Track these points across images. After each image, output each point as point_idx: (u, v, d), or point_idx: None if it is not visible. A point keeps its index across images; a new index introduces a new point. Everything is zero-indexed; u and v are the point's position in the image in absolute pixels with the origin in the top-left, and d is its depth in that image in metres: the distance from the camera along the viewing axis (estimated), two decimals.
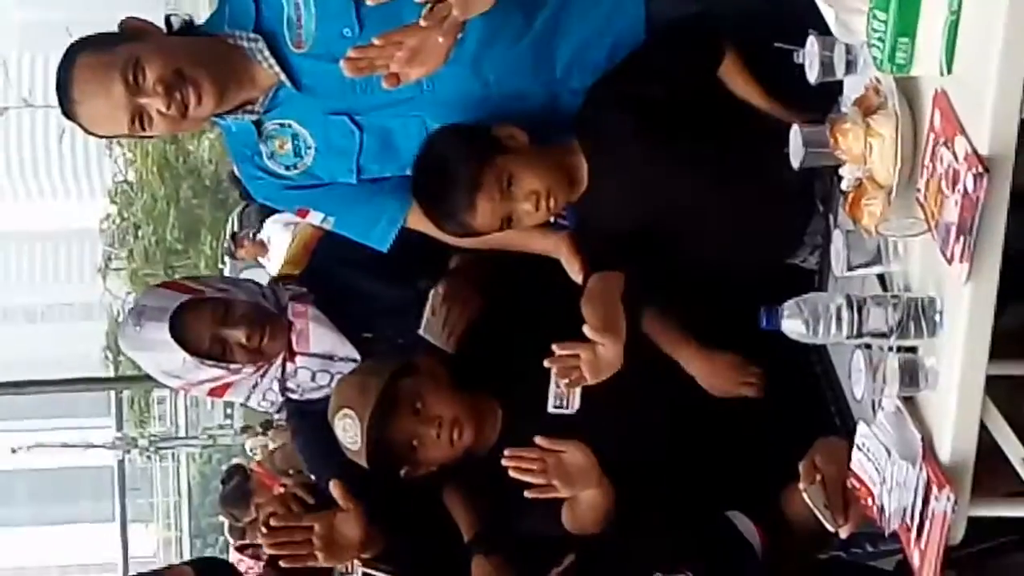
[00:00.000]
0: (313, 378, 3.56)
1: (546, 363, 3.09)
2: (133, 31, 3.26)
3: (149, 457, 26.99)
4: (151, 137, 3.39)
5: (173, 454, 26.98)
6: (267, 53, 3.27)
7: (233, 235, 10.61)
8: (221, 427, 23.40)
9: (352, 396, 3.27)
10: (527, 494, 3.10)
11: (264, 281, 3.91)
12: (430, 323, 3.46)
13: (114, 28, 3.29)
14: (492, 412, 3.36)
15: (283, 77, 3.30)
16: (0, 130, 33.79)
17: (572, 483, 3.10)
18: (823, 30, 2.67)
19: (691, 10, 3.28)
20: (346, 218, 3.46)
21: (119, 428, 27.14)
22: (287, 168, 3.43)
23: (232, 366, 3.48)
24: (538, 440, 3.11)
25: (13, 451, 26.62)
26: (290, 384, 3.57)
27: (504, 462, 3.10)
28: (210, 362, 3.45)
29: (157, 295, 3.55)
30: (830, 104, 2.83)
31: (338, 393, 3.33)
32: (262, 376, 3.52)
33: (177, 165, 25.34)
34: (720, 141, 3.22)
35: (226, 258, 10.95)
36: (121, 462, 26.41)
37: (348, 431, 3.24)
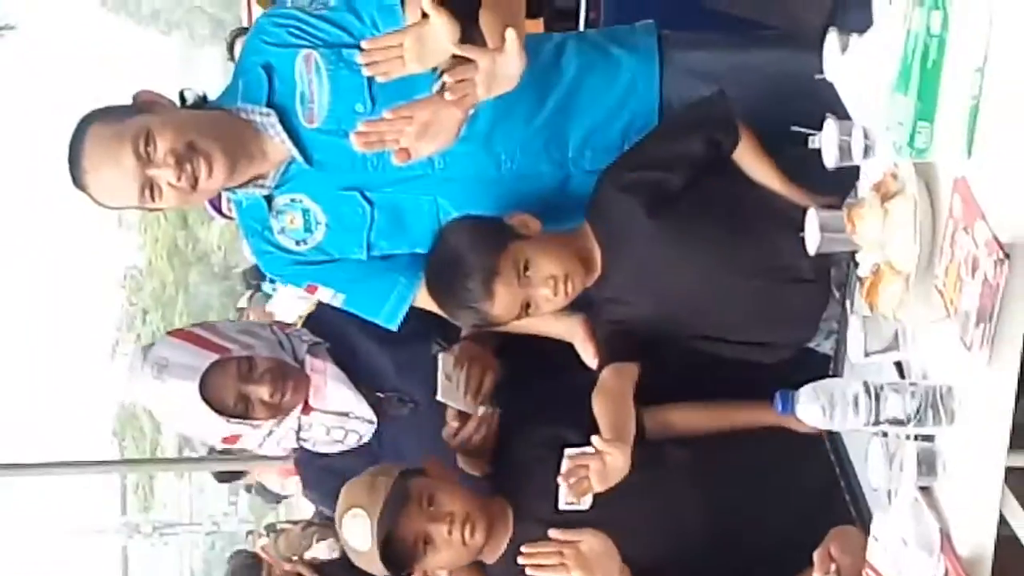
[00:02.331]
0: (327, 433, 3.55)
1: (559, 479, 3.05)
2: (145, 104, 3.26)
3: (153, 543, 26.93)
4: (160, 209, 3.37)
5: (177, 540, 26.89)
6: (279, 128, 3.27)
7: (240, 310, 10.54)
8: (225, 514, 23.37)
9: (360, 495, 3.19)
10: None
11: None
12: (446, 387, 3.40)
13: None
14: (503, 512, 3.30)
15: (295, 152, 3.30)
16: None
17: (592, 572, 3.05)
18: (840, 114, 2.66)
19: (706, 92, 3.27)
20: (355, 295, 3.45)
21: (123, 513, 27.09)
22: (297, 243, 3.42)
23: (254, 423, 3.44)
24: (552, 533, 3.06)
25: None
26: (303, 435, 3.55)
27: (521, 560, 3.05)
28: (235, 420, 3.41)
29: (179, 349, 3.45)
30: (847, 189, 2.81)
31: (346, 495, 3.26)
32: (277, 425, 3.49)
33: (186, 251, 25.45)
34: (735, 226, 3.20)
35: None
36: (124, 548, 26.35)
37: (357, 530, 3.16)
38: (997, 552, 2.47)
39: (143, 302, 26.37)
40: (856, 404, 2.47)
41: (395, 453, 3.53)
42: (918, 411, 2.45)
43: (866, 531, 2.69)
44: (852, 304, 2.91)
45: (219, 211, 8.35)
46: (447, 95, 2.90)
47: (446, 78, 2.90)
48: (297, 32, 3.29)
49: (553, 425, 3.29)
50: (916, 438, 2.51)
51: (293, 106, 3.29)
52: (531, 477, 3.27)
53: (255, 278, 11.78)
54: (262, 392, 3.41)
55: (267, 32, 3.32)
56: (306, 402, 3.51)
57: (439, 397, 3.40)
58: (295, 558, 6.38)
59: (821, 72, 2.65)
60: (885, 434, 2.57)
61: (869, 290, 2.57)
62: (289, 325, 3.94)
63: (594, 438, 3.00)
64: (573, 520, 3.14)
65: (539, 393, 3.44)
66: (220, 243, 24.82)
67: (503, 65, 2.88)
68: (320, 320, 3.73)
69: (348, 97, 3.25)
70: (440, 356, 3.42)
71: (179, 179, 3.16)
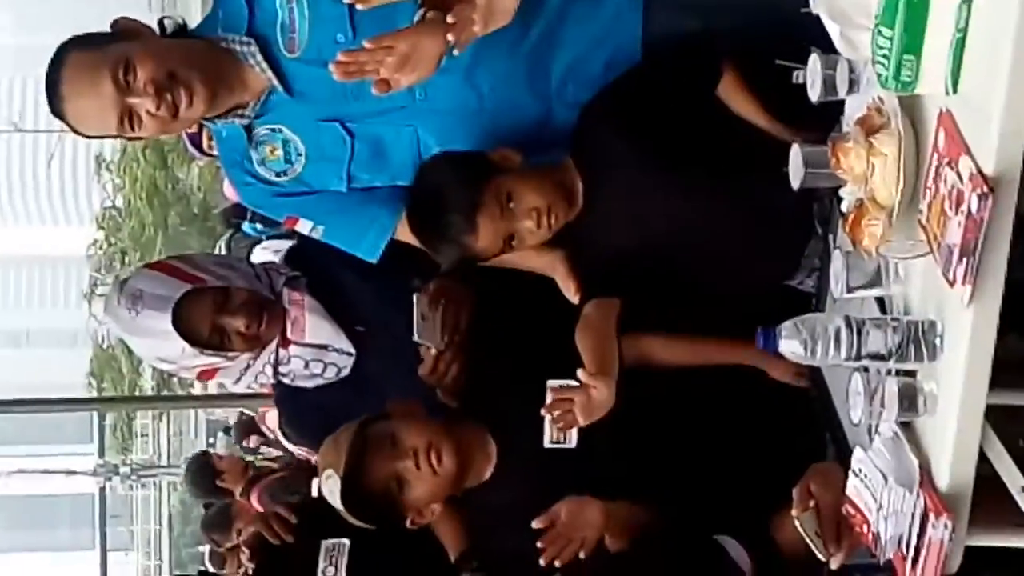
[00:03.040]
0: (306, 366, 3.53)
1: (543, 411, 3.05)
2: (125, 31, 3.23)
3: (131, 485, 26.90)
4: (140, 138, 3.34)
5: (155, 482, 26.89)
6: (259, 57, 3.24)
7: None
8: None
9: (329, 455, 3.20)
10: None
11: None
12: (422, 327, 3.38)
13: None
14: (477, 435, 3.29)
15: (275, 82, 3.27)
16: None
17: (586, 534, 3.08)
18: (825, 48, 2.63)
19: (690, 25, 3.25)
20: (335, 227, 3.42)
21: (101, 455, 27.05)
22: (277, 174, 3.39)
23: (230, 354, 3.43)
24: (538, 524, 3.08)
25: None
26: (282, 369, 3.54)
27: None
28: (209, 351, 3.40)
29: (154, 280, 3.44)
30: (831, 124, 2.79)
31: (320, 459, 3.27)
32: (254, 359, 3.48)
33: (166, 192, 25.30)
34: (717, 162, 3.19)
35: None
36: (103, 489, 26.32)
37: (333, 491, 3.15)
38: (976, 489, 2.47)
39: (121, 242, 26.25)
40: (838, 339, 2.46)
41: (378, 386, 3.52)
42: (900, 346, 2.44)
43: (846, 468, 2.69)
44: (835, 239, 2.90)
45: (200, 148, 8.31)
46: (449, 36, 2.89)
47: (431, 14, 2.88)
48: None
49: (531, 360, 3.28)
50: (897, 374, 2.50)
51: (274, 35, 3.25)
52: (513, 411, 3.26)
53: (235, 217, 11.74)
54: (238, 323, 3.40)
55: None
56: (284, 335, 3.49)
57: (416, 338, 3.38)
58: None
59: (807, 5, 2.62)
60: (866, 369, 2.56)
61: (852, 225, 2.55)
62: (271, 263, 3.93)
63: (579, 371, 2.99)
64: (557, 456, 3.15)
65: (516, 329, 3.42)
66: (200, 184, 24.68)
67: None
68: (301, 253, 3.72)
69: (329, 26, 3.22)
70: (416, 296, 3.40)
71: (159, 108, 3.13)
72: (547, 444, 3.19)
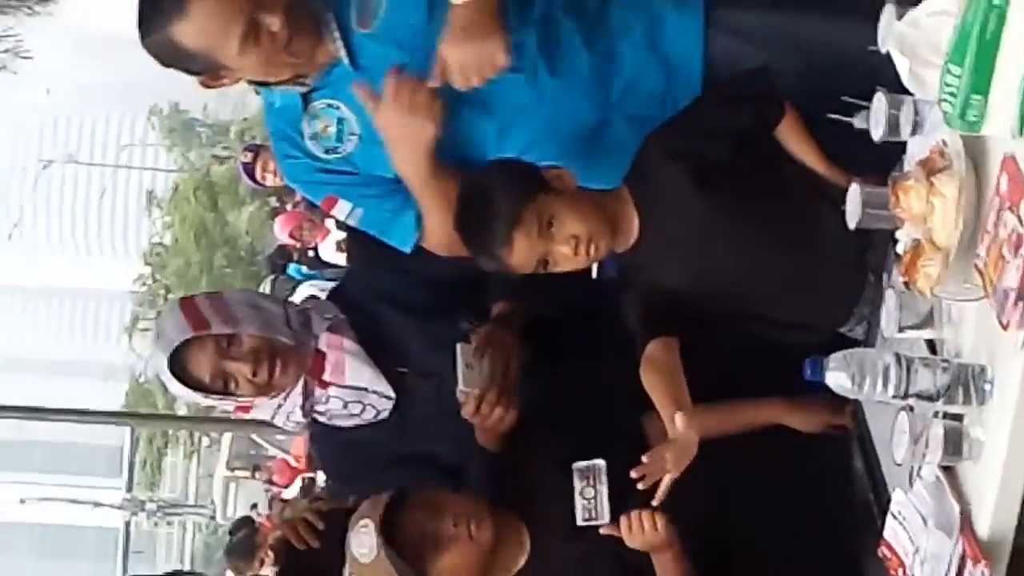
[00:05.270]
0: (345, 407, 3.49)
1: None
2: None
3: (156, 522, 26.94)
4: (234, 75, 3.26)
5: (180, 521, 26.90)
6: (334, 26, 3.22)
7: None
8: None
9: (364, 509, 3.16)
10: None
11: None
12: (467, 376, 3.29)
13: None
14: (514, 524, 3.24)
15: (342, 53, 3.24)
16: (43, 185, 34.04)
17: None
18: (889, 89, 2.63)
19: (750, 53, 3.24)
20: (373, 212, 3.37)
21: (129, 490, 27.10)
22: (326, 151, 3.35)
23: (240, 399, 3.41)
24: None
25: (22, 502, 26.56)
26: (319, 408, 3.50)
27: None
28: (214, 396, 3.39)
29: (172, 320, 3.44)
30: (887, 171, 2.77)
31: (358, 511, 3.22)
32: (285, 398, 3.45)
33: (214, 233, 25.46)
34: (775, 201, 3.15)
35: None
36: (128, 524, 26.35)
37: (364, 540, 3.09)
38: (1017, 538, 2.44)
39: (166, 280, 26.40)
40: (887, 374, 2.43)
41: (417, 428, 3.49)
42: (948, 388, 2.42)
43: (881, 509, 2.66)
44: (889, 278, 2.88)
45: (253, 178, 8.34)
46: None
47: None
48: None
49: (567, 442, 3.24)
50: (944, 416, 2.48)
51: (348, 6, 3.23)
52: (545, 493, 3.22)
53: (280, 259, 11.81)
54: (244, 369, 3.36)
55: None
56: (322, 378, 3.46)
57: (460, 387, 3.28)
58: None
59: (874, 43, 2.61)
60: (912, 409, 2.53)
61: (908, 266, 2.53)
62: (314, 298, 3.90)
63: (671, 422, 2.95)
64: (590, 536, 3.11)
65: (561, 393, 3.39)
66: (248, 228, 24.83)
67: None
68: (345, 292, 3.69)
69: (406, 6, 3.21)
70: (459, 346, 3.32)
71: (284, 26, 3.10)
72: (579, 522, 3.15)
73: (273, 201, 13.24)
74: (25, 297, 36.33)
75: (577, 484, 3.12)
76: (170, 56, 3.18)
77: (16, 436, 25.65)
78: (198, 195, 25.42)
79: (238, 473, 21.13)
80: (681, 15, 3.34)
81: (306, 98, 3.33)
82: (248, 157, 8.30)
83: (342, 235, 8.81)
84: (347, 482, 3.65)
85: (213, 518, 24.45)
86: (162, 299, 25.75)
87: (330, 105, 3.33)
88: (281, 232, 11.07)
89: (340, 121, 3.33)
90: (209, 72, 3.21)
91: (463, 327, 3.42)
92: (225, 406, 3.47)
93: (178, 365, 3.35)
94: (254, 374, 3.36)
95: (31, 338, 35.32)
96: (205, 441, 25.02)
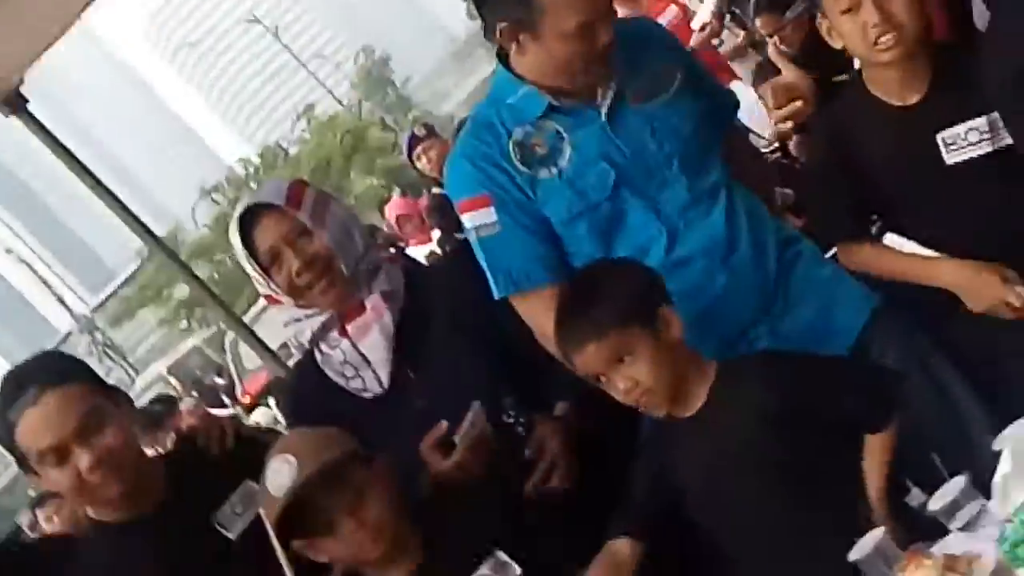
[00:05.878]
0: (342, 363, 3.48)
1: None
2: None
3: None
4: None
5: None
6: (613, 86, 3.29)
7: None
8: None
9: (304, 446, 3.10)
10: None
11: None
12: (466, 434, 3.27)
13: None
14: (415, 546, 3.16)
15: (603, 111, 3.29)
16: (234, 37, 34.43)
17: None
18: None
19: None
20: (507, 242, 3.33)
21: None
22: (521, 161, 3.31)
23: (274, 290, 3.42)
24: None
25: None
26: (323, 347, 3.50)
27: None
28: (257, 267, 3.40)
29: (278, 183, 3.51)
30: (922, 540, 2.72)
31: (290, 437, 3.20)
32: (307, 317, 3.47)
33: (330, 176, 25.65)
34: (814, 486, 3.06)
35: None
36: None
37: (281, 471, 3.04)
38: None
39: (261, 178, 26.53)
40: None
41: (387, 428, 3.41)
42: None
43: None
44: None
45: (411, 153, 8.35)
46: None
47: None
48: None
49: (509, 530, 3.16)
50: None
51: (630, 80, 3.31)
52: (459, 553, 3.11)
53: None
54: (295, 263, 3.38)
55: None
56: (346, 325, 3.46)
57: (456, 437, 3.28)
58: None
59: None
60: None
61: None
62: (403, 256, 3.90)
63: None
64: None
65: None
66: (358, 196, 24.98)
67: None
68: (428, 279, 3.63)
69: (675, 115, 3.34)
70: (472, 412, 3.29)
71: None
72: None
73: (398, 192, 13.14)
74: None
75: (485, 568, 3.04)
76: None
77: None
78: (344, 138, 25.58)
79: (172, 381, 20.70)
80: (848, 303, 3.39)
81: (547, 111, 3.31)
82: (422, 132, 8.33)
83: (438, 250, 8.79)
84: (296, 420, 3.60)
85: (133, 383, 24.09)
86: (247, 193, 25.94)
87: (559, 131, 3.32)
88: (391, 212, 10.93)
89: (554, 151, 3.31)
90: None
91: (505, 404, 3.39)
92: (260, 284, 3.46)
93: (251, 219, 3.40)
94: (299, 274, 3.38)
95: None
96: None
